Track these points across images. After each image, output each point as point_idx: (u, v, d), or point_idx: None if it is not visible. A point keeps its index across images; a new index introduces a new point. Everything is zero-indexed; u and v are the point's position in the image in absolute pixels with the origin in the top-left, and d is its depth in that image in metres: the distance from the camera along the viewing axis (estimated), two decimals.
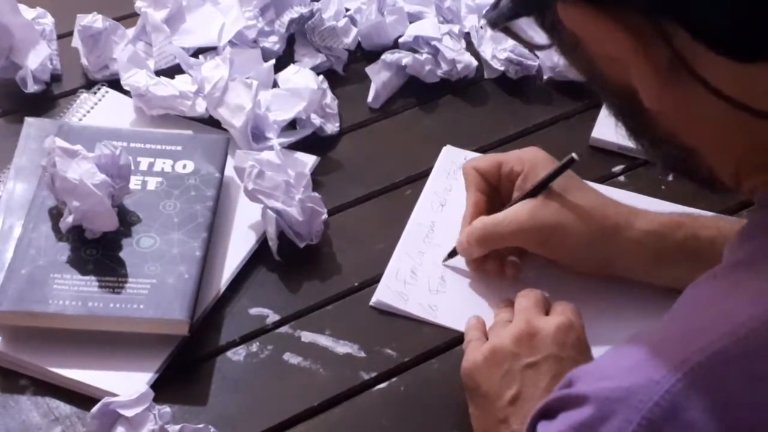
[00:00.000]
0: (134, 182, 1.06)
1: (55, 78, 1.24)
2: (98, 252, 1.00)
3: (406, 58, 1.25)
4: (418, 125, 1.23)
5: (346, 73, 1.28)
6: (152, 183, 1.07)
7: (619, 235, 0.99)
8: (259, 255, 1.06)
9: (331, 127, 1.20)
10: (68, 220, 0.99)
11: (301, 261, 1.05)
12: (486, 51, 1.28)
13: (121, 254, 1.00)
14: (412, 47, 1.28)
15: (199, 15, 1.29)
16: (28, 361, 0.94)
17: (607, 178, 1.16)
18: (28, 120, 1.15)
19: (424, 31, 1.27)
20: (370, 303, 1.02)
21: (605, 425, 0.58)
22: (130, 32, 1.26)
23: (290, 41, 1.30)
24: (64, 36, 1.27)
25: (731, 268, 0.64)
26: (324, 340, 0.99)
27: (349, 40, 1.29)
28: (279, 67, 1.22)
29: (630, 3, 0.59)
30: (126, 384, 0.91)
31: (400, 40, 1.29)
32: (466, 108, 1.25)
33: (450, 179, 1.14)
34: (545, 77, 1.27)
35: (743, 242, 0.65)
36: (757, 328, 0.57)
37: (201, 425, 0.88)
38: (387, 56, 1.26)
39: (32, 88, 1.20)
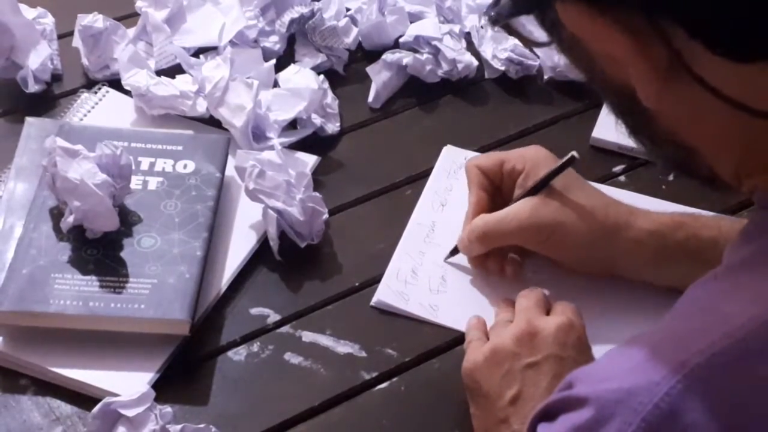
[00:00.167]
0: (135, 182, 1.06)
1: (56, 78, 1.24)
2: (99, 252, 1.00)
3: (406, 57, 1.25)
4: (419, 125, 1.23)
5: (346, 72, 1.28)
6: (153, 183, 1.07)
7: (620, 234, 0.99)
8: (260, 255, 1.06)
9: (332, 127, 1.20)
10: (69, 220, 0.99)
11: (301, 261, 1.05)
12: (486, 51, 1.27)
13: (122, 254, 1.00)
14: (413, 47, 1.28)
15: (200, 15, 1.29)
16: (29, 360, 0.94)
17: (607, 178, 1.16)
18: (29, 120, 1.15)
19: (424, 31, 1.27)
20: (371, 303, 1.02)
21: (604, 427, 0.58)
22: (131, 32, 1.26)
23: (291, 41, 1.30)
24: (65, 36, 1.27)
25: (732, 269, 0.64)
26: (325, 340, 0.99)
27: (349, 39, 1.29)
28: (279, 67, 1.22)
29: (629, 3, 0.59)
30: (127, 384, 0.91)
31: (401, 40, 1.29)
32: (467, 108, 1.25)
33: (450, 179, 1.14)
34: (546, 77, 1.27)
35: (744, 243, 0.65)
36: (757, 330, 0.57)
37: (202, 425, 0.88)
38: (387, 56, 1.25)
39: (33, 87, 1.20)
